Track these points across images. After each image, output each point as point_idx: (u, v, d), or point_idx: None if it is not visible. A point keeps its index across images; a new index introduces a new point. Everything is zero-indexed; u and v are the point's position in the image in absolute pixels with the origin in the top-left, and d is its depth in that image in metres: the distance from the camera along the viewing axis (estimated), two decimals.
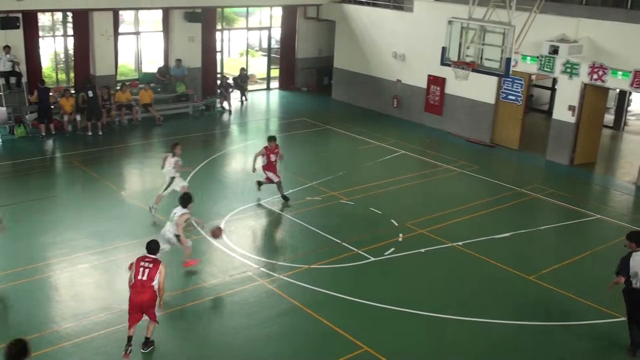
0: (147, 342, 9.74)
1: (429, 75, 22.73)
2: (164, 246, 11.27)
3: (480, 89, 21.05)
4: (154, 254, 9.59)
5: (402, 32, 23.47)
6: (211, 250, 13.05)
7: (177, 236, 11.92)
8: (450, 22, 16.36)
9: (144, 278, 9.31)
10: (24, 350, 6.63)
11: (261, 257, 12.78)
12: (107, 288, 11.61)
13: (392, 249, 13.26)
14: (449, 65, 16.71)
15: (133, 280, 9.36)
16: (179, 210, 11.98)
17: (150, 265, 9.40)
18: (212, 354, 9.81)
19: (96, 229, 13.75)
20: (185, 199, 12.15)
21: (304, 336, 10.39)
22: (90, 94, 20.66)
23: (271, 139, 15.43)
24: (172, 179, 14.59)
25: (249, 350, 9.93)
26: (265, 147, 15.34)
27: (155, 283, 9.35)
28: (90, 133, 20.55)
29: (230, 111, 24.36)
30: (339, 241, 13.51)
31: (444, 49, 16.62)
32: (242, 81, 25.80)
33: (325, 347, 10.05)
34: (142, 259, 9.51)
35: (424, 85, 23.07)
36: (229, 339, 10.18)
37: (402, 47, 23.56)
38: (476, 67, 16.03)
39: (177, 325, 10.53)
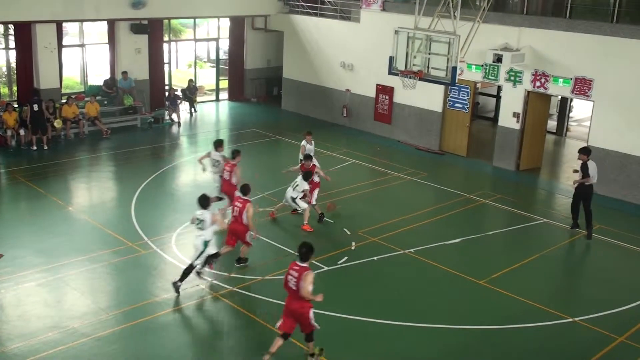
0: (240, 260, 12.77)
1: (378, 85, 23.00)
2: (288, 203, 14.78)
3: (428, 97, 21.41)
4: (245, 195, 12.45)
5: (350, 42, 23.70)
6: (162, 264, 12.87)
7: (294, 199, 14.66)
8: (396, 32, 16.63)
9: (236, 214, 12.33)
10: None
11: (213, 270, 12.65)
12: (54, 306, 11.30)
13: (345, 258, 13.32)
14: (396, 74, 16.97)
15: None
16: (300, 182, 14.58)
17: (240, 205, 12.33)
18: None
19: (42, 246, 13.41)
20: (307, 175, 14.66)
21: (260, 348, 10.29)
22: (36, 107, 20.17)
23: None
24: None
25: None
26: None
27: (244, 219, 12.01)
28: (35, 147, 20.06)
29: (179, 123, 24.13)
30: (292, 251, 13.48)
31: (391, 58, 16.88)
32: (191, 93, 25.62)
33: (281, 359, 9.99)
34: (236, 199, 12.63)
35: (372, 94, 23.33)
36: (181, 355, 10.03)
37: (350, 57, 23.78)
38: (423, 76, 16.32)
39: (128, 342, 10.32)
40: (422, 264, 13.28)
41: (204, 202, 11.63)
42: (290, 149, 21.22)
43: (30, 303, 11.28)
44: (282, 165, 19.43)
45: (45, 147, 20.15)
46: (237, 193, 13.19)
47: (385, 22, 21.58)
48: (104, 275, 12.37)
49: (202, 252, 11.64)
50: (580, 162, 14.60)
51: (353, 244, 13.85)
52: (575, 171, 15.29)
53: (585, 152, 14.66)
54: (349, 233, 14.53)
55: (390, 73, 17.22)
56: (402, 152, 21.52)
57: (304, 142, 16.64)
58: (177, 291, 11.62)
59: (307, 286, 9.18)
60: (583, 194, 14.73)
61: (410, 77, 16.50)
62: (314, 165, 15.32)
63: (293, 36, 25.81)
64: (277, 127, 23.87)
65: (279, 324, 9.50)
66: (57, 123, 20.84)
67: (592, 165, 14.47)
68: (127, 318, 10.87)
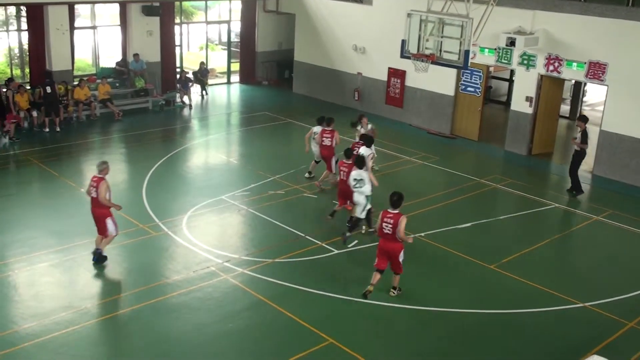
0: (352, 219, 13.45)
1: (389, 68, 22.88)
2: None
3: (440, 81, 21.28)
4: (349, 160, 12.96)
5: (362, 25, 23.55)
6: (174, 247, 12.95)
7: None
8: (409, 15, 16.47)
9: (343, 177, 13.22)
10: None
11: (224, 252, 12.72)
12: (67, 287, 11.43)
13: (356, 242, 13.33)
14: (408, 57, 16.82)
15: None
16: (364, 151, 14.17)
17: (345, 169, 13.11)
18: (174, 352, 9.72)
19: (55, 227, 13.52)
20: (370, 139, 14.60)
21: (269, 330, 10.39)
22: (49, 89, 20.25)
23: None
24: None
25: (212, 346, 9.90)
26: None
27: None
28: (47, 129, 20.16)
29: (190, 106, 24.14)
30: (302, 234, 13.54)
31: (403, 41, 16.74)
32: (202, 75, 25.60)
33: (290, 340, 10.07)
34: (341, 163, 13.31)
35: (384, 77, 23.22)
36: (192, 336, 10.11)
37: (363, 40, 23.65)
38: (435, 60, 16.17)
39: (140, 323, 10.42)
40: (433, 248, 13.28)
41: (360, 163, 13.02)
42: (301, 132, 21.20)
43: (44, 283, 11.41)
44: (293, 148, 19.45)
45: (58, 129, 20.24)
46: (334, 159, 15.33)
47: (398, 4, 21.38)
48: (115, 257, 12.45)
49: (365, 206, 13.14)
50: (579, 129, 16.08)
51: (363, 228, 13.86)
52: (574, 139, 16.56)
53: (583, 119, 16.25)
54: (364, 231, 14.48)
55: (402, 56, 17.08)
56: (414, 136, 21.45)
57: (359, 127, 16.55)
58: (345, 241, 13.15)
59: (403, 229, 10.64)
60: (578, 158, 16.42)
61: (422, 61, 16.38)
62: (373, 129, 16.25)
63: (305, 19, 25.68)
64: (288, 110, 23.84)
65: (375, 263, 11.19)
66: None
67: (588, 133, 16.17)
68: (139, 299, 10.97)
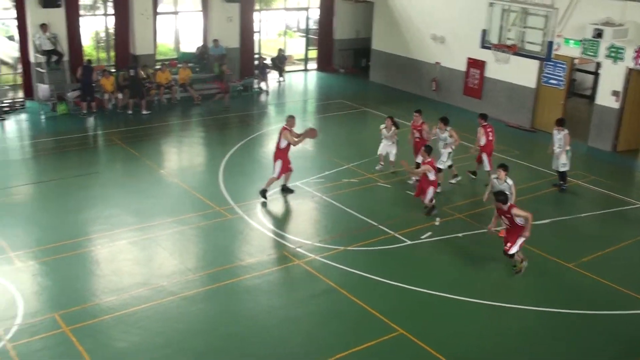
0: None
1: (469, 58, 22.43)
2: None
3: (521, 72, 20.70)
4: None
5: (442, 14, 23.16)
6: (248, 230, 13.15)
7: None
8: (491, 4, 16.09)
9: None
10: None
11: (298, 238, 12.83)
12: (145, 264, 11.80)
13: (429, 233, 13.19)
14: (489, 48, 16.47)
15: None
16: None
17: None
18: (244, 333, 9.88)
19: (135, 206, 13.96)
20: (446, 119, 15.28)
21: (339, 317, 10.42)
22: (133, 72, 20.89)
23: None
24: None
25: (281, 329, 10.02)
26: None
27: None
28: (131, 111, 20.79)
29: (267, 92, 24.40)
30: (376, 223, 13.49)
31: (484, 31, 16.38)
32: (280, 62, 25.80)
33: (359, 329, 10.07)
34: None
35: (463, 68, 22.79)
36: (263, 318, 10.27)
37: (442, 29, 23.26)
38: (517, 51, 15.77)
39: (213, 303, 10.66)
40: None
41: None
42: (376, 120, 21.08)
43: (123, 260, 11.82)
44: (368, 137, 19.36)
45: (143, 112, 20.83)
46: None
47: None
48: (191, 237, 12.78)
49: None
50: None
51: (438, 219, 13.69)
52: None
53: None
54: (437, 223, 14.29)
55: (482, 47, 16.74)
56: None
57: (436, 131, 15.63)
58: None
59: (519, 216, 11.14)
60: None
61: (503, 51, 15.99)
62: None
63: (383, 7, 25.46)
64: (364, 99, 23.75)
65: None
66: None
67: None
68: (212, 279, 11.21)
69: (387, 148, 16.22)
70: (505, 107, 21.67)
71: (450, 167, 15.74)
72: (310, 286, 11.23)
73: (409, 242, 12.79)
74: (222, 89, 22.30)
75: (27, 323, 9.72)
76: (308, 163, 17.25)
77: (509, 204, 11.27)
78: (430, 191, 13.81)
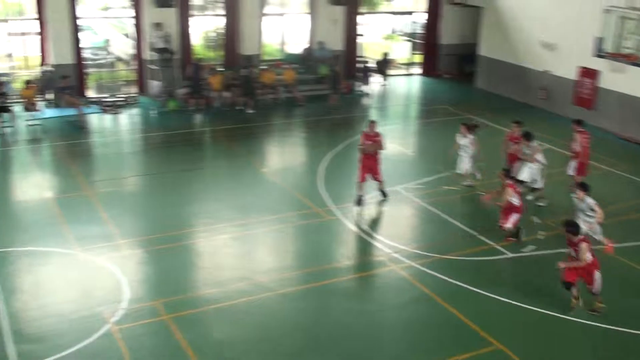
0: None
1: (581, 67, 21.53)
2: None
3: (639, 83, 19.63)
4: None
5: (553, 20, 22.35)
6: (345, 232, 13.19)
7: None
8: (606, 11, 15.40)
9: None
10: None
11: (394, 243, 12.72)
12: (245, 259, 12.08)
13: (533, 247, 12.73)
14: (603, 57, 15.76)
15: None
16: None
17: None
18: (335, 335, 9.87)
19: (237, 202, 14.31)
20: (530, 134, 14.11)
21: (433, 326, 10.25)
22: (246, 72, 21.44)
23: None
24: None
25: (373, 333, 9.96)
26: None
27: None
28: (242, 109, 21.25)
29: (370, 95, 24.40)
30: (475, 233, 13.18)
31: (598, 39, 15.68)
32: (384, 65, 25.75)
33: (453, 339, 9.86)
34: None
35: (573, 77, 21.89)
36: (355, 321, 10.23)
37: (552, 35, 22.45)
38: (636, 61, 15.02)
39: (306, 301, 10.75)
40: (618, 263, 12.26)
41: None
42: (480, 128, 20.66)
43: (224, 254, 12.15)
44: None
45: (250, 111, 21.31)
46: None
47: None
48: (289, 236, 12.96)
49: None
50: None
51: (541, 233, 13.22)
52: None
53: None
54: (538, 221, 13.83)
55: (596, 55, 16.03)
56: (603, 141, 20.00)
57: (519, 146, 14.67)
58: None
59: (583, 257, 10.20)
60: None
61: (619, 61, 15.27)
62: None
63: (492, 12, 24.87)
64: (468, 106, 23.27)
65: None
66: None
67: None
68: (308, 279, 11.31)
69: (465, 161, 15.05)
70: (619, 119, 20.59)
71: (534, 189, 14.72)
72: (405, 293, 11.12)
73: (510, 255, 12.41)
74: (347, 89, 22.66)
75: (131, 308, 10.16)
76: (408, 168, 17.11)
77: (580, 237, 10.32)
78: (514, 218, 12.56)
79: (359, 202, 14.10)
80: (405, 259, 12.11)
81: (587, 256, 10.19)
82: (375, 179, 14.29)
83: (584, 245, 10.24)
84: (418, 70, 28.15)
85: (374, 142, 14.04)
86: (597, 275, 10.42)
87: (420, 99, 25.14)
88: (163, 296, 10.56)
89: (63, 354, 9.03)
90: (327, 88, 23.06)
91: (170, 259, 11.80)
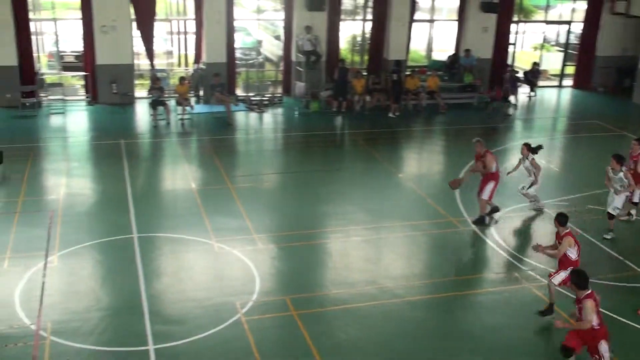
0: None
1: None
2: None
3: None
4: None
5: None
6: (479, 244, 12.82)
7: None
8: None
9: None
10: None
11: (530, 260, 12.16)
12: (374, 263, 12.06)
13: None
14: None
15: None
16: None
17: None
18: (462, 348, 9.59)
19: (371, 206, 14.32)
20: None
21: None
22: (395, 77, 21.51)
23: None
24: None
25: (502, 347, 9.62)
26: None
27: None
28: (392, 112, 21.30)
29: (515, 106, 23.55)
30: (622, 258, 12.29)
31: None
32: (533, 76, 24.76)
33: None
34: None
35: None
36: (481, 334, 9.94)
37: None
38: None
39: (433, 312, 10.57)
40: None
41: None
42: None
43: (354, 256, 12.20)
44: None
45: (392, 115, 21.29)
46: None
47: None
48: (421, 244, 12.79)
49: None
50: None
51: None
52: None
53: None
54: None
55: None
56: None
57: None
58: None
59: (587, 315, 8.36)
60: None
61: None
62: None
63: None
64: (624, 122, 21.80)
65: None
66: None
67: None
68: (437, 288, 11.09)
69: (617, 199, 13.07)
70: None
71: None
72: (536, 310, 10.56)
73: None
74: (498, 97, 22.30)
75: (260, 301, 10.45)
76: (552, 183, 16.30)
77: (587, 291, 8.43)
78: (564, 273, 10.04)
79: (490, 215, 13.63)
80: (542, 278, 11.51)
81: (592, 317, 8.31)
82: (477, 195, 13.67)
83: (588, 303, 8.31)
84: (569, 82, 26.78)
85: (481, 162, 13.47)
86: (604, 347, 8.48)
87: (569, 112, 23.92)
88: (292, 292, 10.78)
89: (194, 337, 9.46)
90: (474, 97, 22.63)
91: (301, 256, 12.03)
